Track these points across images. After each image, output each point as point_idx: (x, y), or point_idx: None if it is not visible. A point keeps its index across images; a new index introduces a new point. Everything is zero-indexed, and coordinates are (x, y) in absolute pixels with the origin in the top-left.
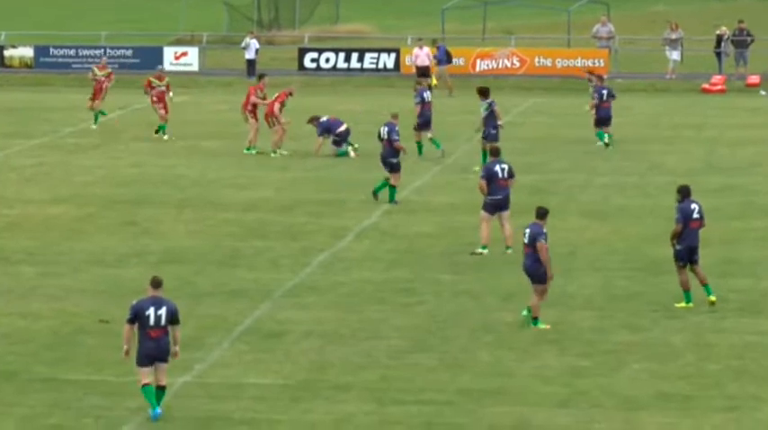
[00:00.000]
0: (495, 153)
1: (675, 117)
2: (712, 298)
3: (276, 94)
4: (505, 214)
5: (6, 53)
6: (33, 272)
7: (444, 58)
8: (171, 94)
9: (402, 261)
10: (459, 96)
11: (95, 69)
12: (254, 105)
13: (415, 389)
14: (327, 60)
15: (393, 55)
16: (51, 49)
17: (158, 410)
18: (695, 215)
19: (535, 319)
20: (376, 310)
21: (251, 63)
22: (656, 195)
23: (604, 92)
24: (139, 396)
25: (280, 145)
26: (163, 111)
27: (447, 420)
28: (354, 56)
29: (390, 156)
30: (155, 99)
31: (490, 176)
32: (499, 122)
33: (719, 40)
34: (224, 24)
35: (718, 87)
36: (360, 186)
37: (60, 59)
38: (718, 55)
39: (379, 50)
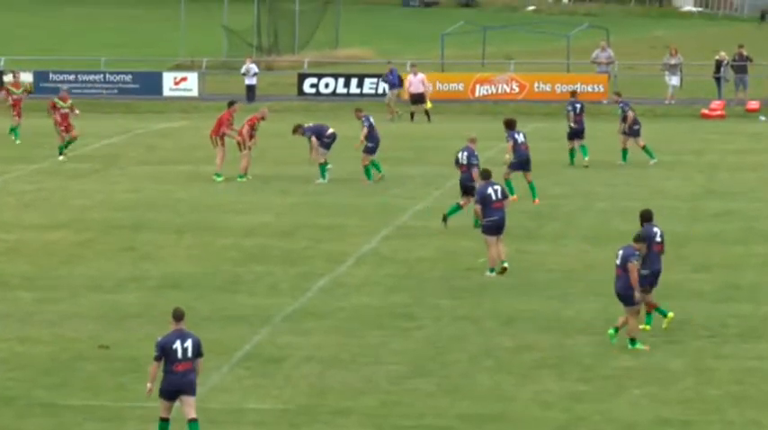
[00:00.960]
0: (487, 176)
1: (675, 142)
2: (647, 327)
3: (247, 118)
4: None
5: (6, 78)
6: (31, 297)
7: (396, 81)
8: (77, 111)
9: (401, 286)
10: (458, 122)
11: (11, 88)
12: (224, 132)
13: (414, 414)
14: (327, 85)
15: None
16: (51, 75)
17: None
18: (657, 239)
19: (633, 341)
20: (376, 335)
21: (251, 88)
22: (658, 220)
23: (578, 106)
24: (138, 420)
25: (247, 169)
26: (64, 134)
27: None
28: (354, 81)
29: (469, 181)
30: (58, 120)
31: (484, 199)
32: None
33: (719, 65)
34: (223, 49)
35: (718, 113)
36: (358, 211)
37: (60, 84)
38: (718, 80)
39: (379, 76)
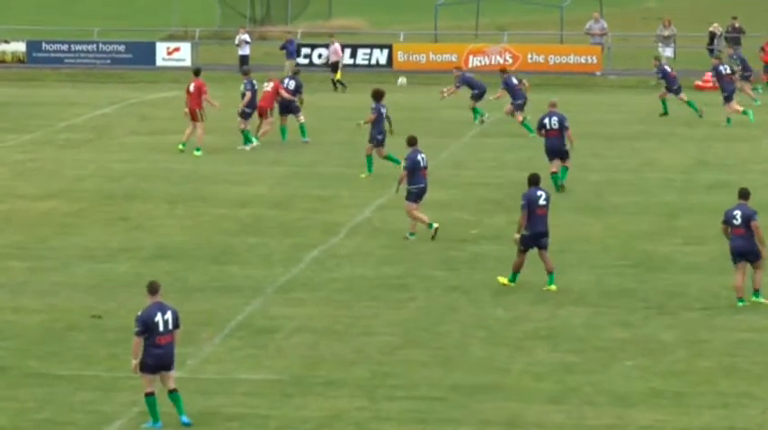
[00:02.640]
0: (413, 142)
1: (668, 114)
2: (552, 287)
3: (268, 87)
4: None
5: None
6: (24, 267)
7: (294, 52)
8: None
9: (394, 257)
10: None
11: None
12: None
13: (407, 384)
14: (320, 56)
15: (386, 51)
16: (44, 44)
17: (185, 418)
18: (541, 202)
19: (757, 292)
20: (368, 306)
21: (244, 59)
22: (650, 192)
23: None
24: (131, 391)
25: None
26: None
27: (439, 416)
28: (347, 51)
29: (562, 145)
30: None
31: (413, 165)
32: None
33: (712, 37)
34: (216, 20)
35: (711, 84)
36: (352, 182)
37: (53, 54)
38: (711, 52)
39: (372, 46)
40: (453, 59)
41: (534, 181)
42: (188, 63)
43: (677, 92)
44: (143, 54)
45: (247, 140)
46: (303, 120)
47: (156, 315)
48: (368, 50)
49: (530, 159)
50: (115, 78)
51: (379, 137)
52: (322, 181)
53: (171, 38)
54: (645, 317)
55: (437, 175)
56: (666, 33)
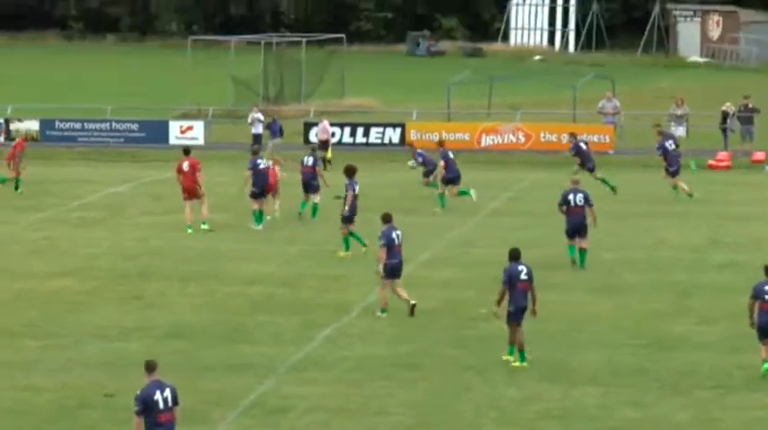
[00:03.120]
0: (388, 219)
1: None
2: (519, 364)
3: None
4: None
5: (12, 126)
6: (37, 345)
7: (278, 131)
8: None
9: (406, 336)
10: (463, 171)
11: None
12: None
13: None
14: (333, 134)
15: (398, 129)
16: (57, 123)
17: None
18: (522, 276)
19: None
20: (381, 386)
21: (257, 137)
22: (663, 270)
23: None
24: None
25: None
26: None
27: None
28: (360, 130)
29: (585, 221)
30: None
31: (389, 242)
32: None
33: (725, 116)
34: (230, 98)
35: (724, 163)
36: (363, 260)
37: (66, 133)
38: (724, 131)
39: (385, 125)
40: (466, 138)
41: (515, 256)
42: (201, 141)
43: (591, 170)
44: (156, 132)
45: (259, 221)
46: (317, 201)
47: (155, 393)
48: (381, 129)
49: (546, 238)
50: (128, 157)
51: (349, 214)
52: (334, 259)
53: (184, 116)
54: (658, 397)
55: (447, 253)
56: (679, 112)
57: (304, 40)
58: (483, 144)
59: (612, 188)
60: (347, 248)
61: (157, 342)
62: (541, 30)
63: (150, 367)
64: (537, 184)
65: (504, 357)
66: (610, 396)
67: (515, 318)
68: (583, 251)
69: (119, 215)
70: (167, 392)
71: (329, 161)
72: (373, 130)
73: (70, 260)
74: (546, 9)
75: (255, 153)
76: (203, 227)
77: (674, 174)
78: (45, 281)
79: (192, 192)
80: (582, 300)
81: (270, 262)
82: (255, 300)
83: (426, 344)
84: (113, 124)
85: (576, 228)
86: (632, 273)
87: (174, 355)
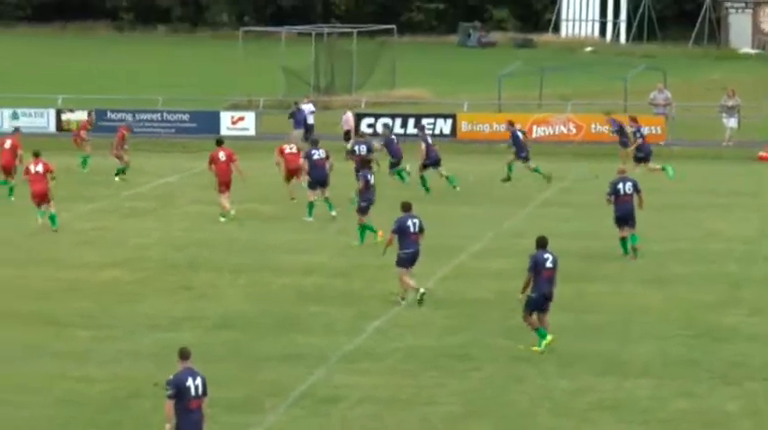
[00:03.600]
0: (407, 208)
1: (731, 184)
2: (539, 347)
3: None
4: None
5: (64, 117)
6: (88, 335)
7: (303, 121)
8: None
9: (458, 326)
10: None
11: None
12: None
13: None
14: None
15: (449, 120)
16: (109, 113)
17: None
18: (548, 264)
19: None
20: (432, 376)
21: (308, 128)
22: (713, 262)
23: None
24: None
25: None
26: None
27: None
28: (411, 121)
29: (634, 210)
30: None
31: (402, 230)
32: None
33: None
34: (281, 89)
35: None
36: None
37: (118, 123)
38: None
39: (436, 116)
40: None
41: (542, 244)
42: (252, 132)
43: (525, 159)
44: (207, 123)
45: (311, 212)
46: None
47: (187, 379)
48: (431, 120)
49: (596, 231)
50: (179, 147)
51: (363, 204)
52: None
53: (235, 107)
54: (709, 388)
55: (497, 244)
56: (731, 104)
57: (355, 30)
58: (534, 135)
59: (546, 177)
60: (362, 240)
61: (208, 332)
62: (593, 21)
63: (184, 354)
64: (587, 176)
65: (535, 348)
66: (662, 387)
67: (537, 304)
68: (633, 235)
69: (169, 205)
70: (198, 380)
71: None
72: (424, 121)
73: (121, 250)
74: (597, 0)
75: (315, 143)
76: (222, 218)
77: (641, 160)
78: (96, 271)
79: (228, 184)
80: (632, 291)
81: (321, 252)
82: (307, 290)
83: (477, 334)
84: (164, 115)
85: (626, 217)
86: (682, 264)
87: (225, 346)
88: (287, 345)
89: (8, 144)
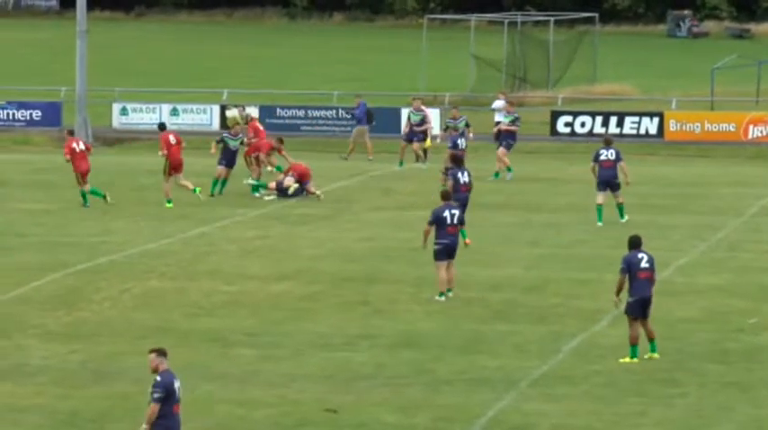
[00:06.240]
0: (447, 197)
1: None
2: (655, 355)
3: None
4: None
5: (228, 113)
6: (253, 354)
7: (364, 117)
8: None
9: (663, 348)
10: (728, 166)
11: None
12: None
13: None
14: (583, 125)
15: (656, 119)
16: (278, 110)
17: None
18: (643, 265)
19: None
20: (634, 403)
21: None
22: None
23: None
24: None
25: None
26: None
27: None
28: (613, 120)
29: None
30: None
31: (439, 221)
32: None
33: None
34: (469, 83)
35: None
36: (614, 265)
37: (288, 121)
38: None
39: (641, 114)
40: (731, 129)
41: (635, 244)
42: (436, 131)
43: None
44: (387, 121)
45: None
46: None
47: (174, 381)
48: (636, 118)
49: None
50: (356, 147)
51: None
52: (582, 263)
53: None
54: None
55: (708, 258)
56: None
57: (552, 19)
58: (750, 136)
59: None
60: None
61: (386, 352)
62: None
63: (164, 352)
64: None
65: (622, 360)
66: None
67: (636, 310)
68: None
69: (345, 212)
70: (178, 383)
71: (425, 151)
72: (628, 120)
73: (290, 262)
74: None
75: (608, 143)
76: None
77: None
78: (263, 284)
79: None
80: None
81: (512, 265)
82: (496, 307)
83: (685, 357)
84: (340, 112)
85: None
86: None
87: (405, 367)
88: (472, 367)
89: (172, 139)
